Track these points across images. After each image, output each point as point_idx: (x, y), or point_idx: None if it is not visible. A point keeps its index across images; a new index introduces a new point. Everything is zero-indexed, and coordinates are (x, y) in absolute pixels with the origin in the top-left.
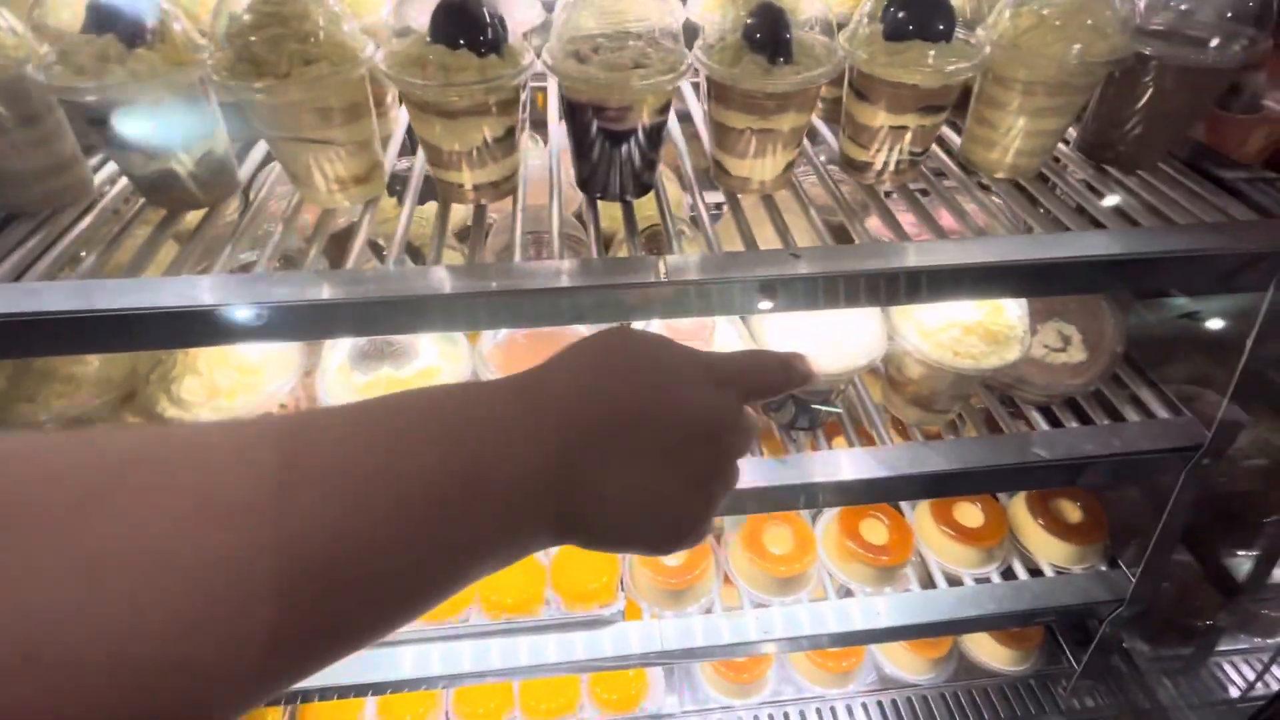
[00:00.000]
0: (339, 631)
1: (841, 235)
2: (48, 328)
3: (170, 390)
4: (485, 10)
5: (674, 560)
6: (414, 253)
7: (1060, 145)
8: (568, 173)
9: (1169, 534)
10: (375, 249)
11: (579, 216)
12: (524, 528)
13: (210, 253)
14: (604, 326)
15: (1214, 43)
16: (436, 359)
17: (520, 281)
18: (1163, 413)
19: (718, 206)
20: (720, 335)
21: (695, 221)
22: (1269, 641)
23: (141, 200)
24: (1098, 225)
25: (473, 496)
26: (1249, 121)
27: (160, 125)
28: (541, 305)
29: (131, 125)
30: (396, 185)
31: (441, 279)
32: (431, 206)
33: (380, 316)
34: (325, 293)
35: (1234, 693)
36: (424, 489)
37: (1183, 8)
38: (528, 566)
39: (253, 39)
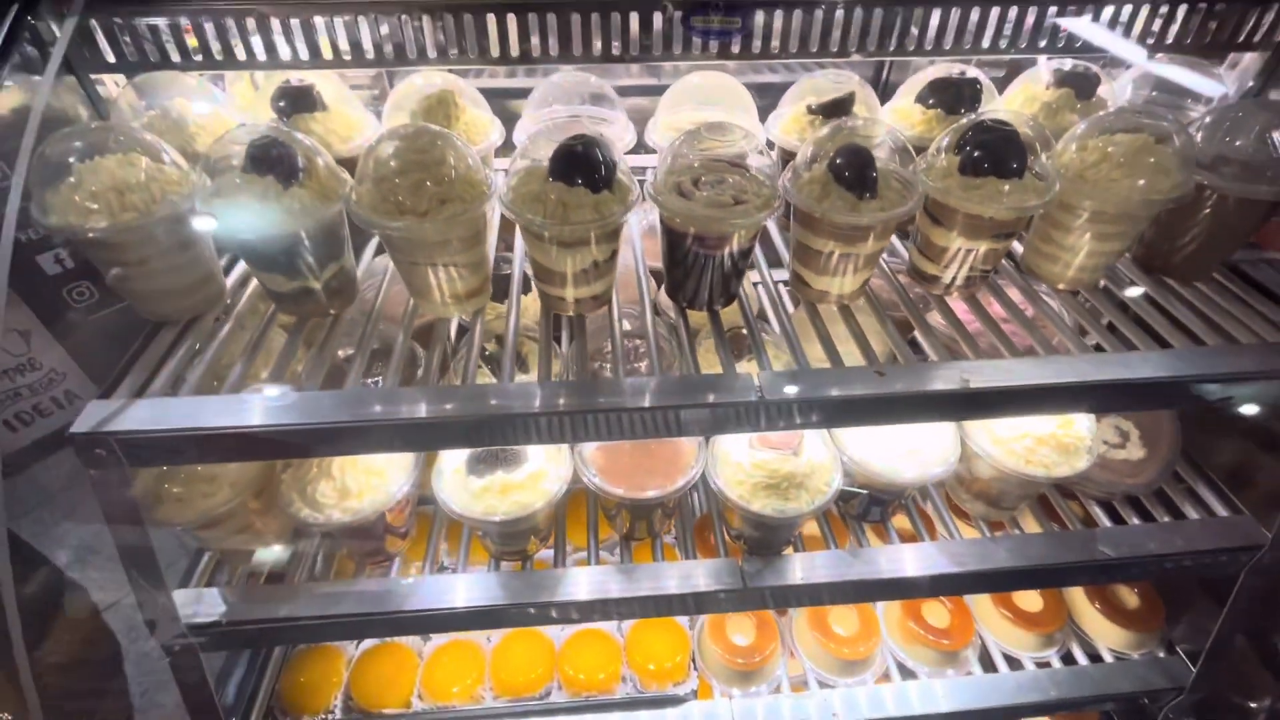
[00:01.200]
0: None
1: (904, 328)
2: (209, 443)
3: (305, 492)
4: (599, 152)
5: (743, 640)
6: (500, 340)
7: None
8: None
9: (1231, 626)
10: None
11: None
12: None
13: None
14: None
15: (1270, 173)
16: (543, 462)
17: (626, 400)
18: (1222, 510)
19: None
20: (809, 444)
21: (770, 319)
22: None
23: (271, 307)
24: (1160, 340)
25: None
26: None
27: (304, 251)
28: (647, 421)
29: (281, 252)
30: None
31: (556, 397)
32: (531, 300)
33: (499, 432)
34: (446, 410)
35: None
36: None
37: (1238, 142)
38: (605, 644)
39: (398, 182)
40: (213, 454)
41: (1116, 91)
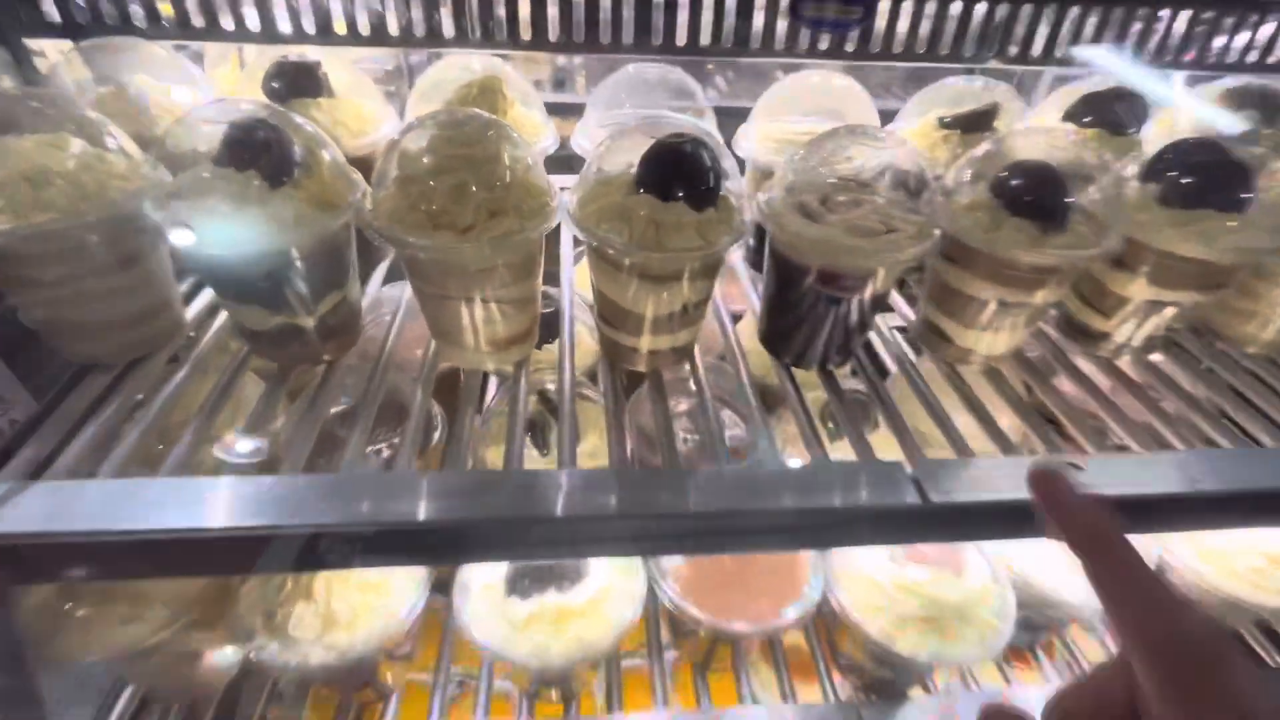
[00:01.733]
0: None
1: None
2: (133, 552)
3: (274, 619)
4: (705, 155)
5: None
6: (545, 399)
7: None
8: None
9: None
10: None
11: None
12: None
13: (335, 421)
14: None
15: None
16: (609, 575)
17: (727, 501)
18: None
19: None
20: (971, 563)
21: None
22: None
23: (244, 348)
24: None
25: None
26: None
27: (294, 276)
28: (756, 536)
29: (262, 277)
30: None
31: (627, 492)
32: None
33: (557, 543)
34: (477, 511)
35: None
36: None
37: None
38: None
39: (433, 185)
40: (139, 569)
41: None
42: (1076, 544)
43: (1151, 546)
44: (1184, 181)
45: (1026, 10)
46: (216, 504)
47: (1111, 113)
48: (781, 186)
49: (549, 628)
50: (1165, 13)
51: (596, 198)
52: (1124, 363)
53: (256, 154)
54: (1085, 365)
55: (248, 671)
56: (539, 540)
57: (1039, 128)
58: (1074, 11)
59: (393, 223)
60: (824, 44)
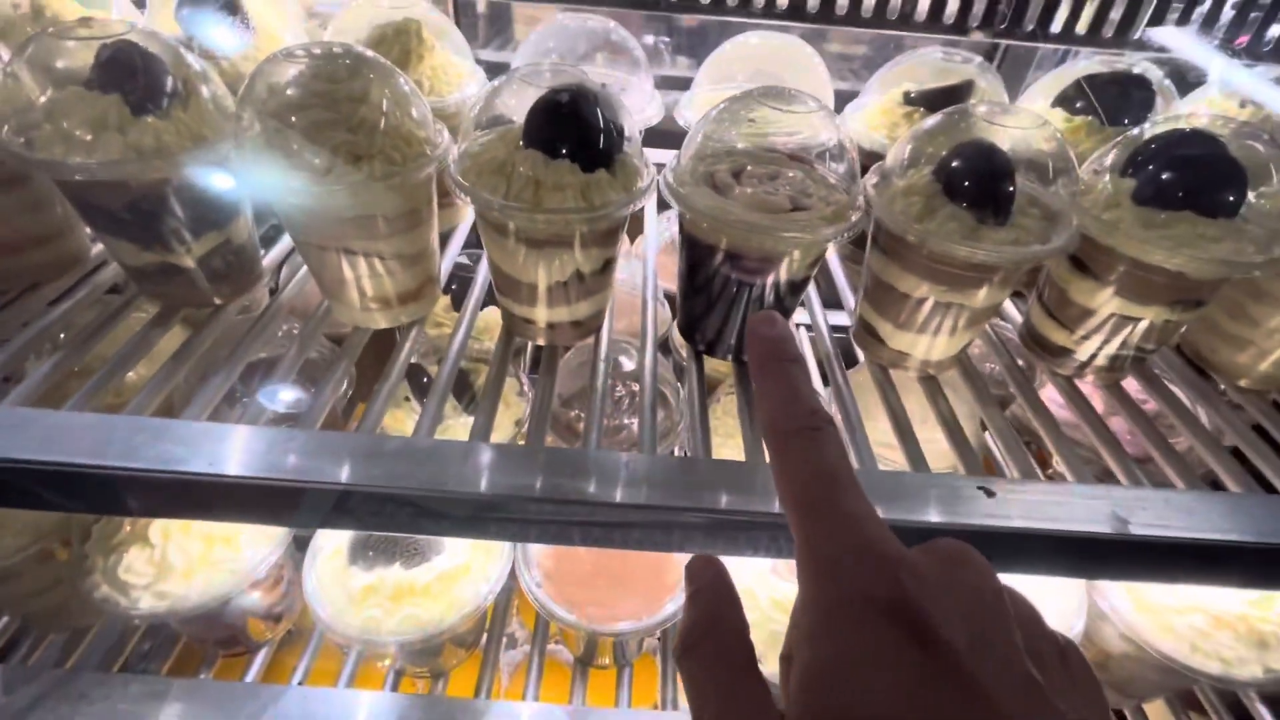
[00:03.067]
0: None
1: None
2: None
3: (108, 560)
4: (599, 110)
5: None
6: (461, 378)
7: None
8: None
9: None
10: (415, 372)
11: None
12: None
13: (207, 365)
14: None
15: None
16: (467, 553)
17: (598, 490)
18: None
19: (836, 329)
20: None
21: (817, 380)
22: None
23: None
24: None
25: None
26: None
27: (163, 212)
28: (632, 531)
29: (124, 208)
30: (453, 284)
31: (495, 478)
32: (490, 315)
33: (406, 519)
34: (343, 474)
35: None
36: None
37: None
38: None
39: (294, 120)
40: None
41: None
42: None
43: (1082, 588)
44: (1164, 177)
45: None
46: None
47: (1111, 99)
48: (691, 153)
49: (387, 603)
50: None
51: (481, 152)
52: (1087, 384)
53: (122, 77)
54: (1046, 383)
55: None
56: (368, 513)
57: (1002, 104)
58: None
59: (250, 160)
60: (783, 1)
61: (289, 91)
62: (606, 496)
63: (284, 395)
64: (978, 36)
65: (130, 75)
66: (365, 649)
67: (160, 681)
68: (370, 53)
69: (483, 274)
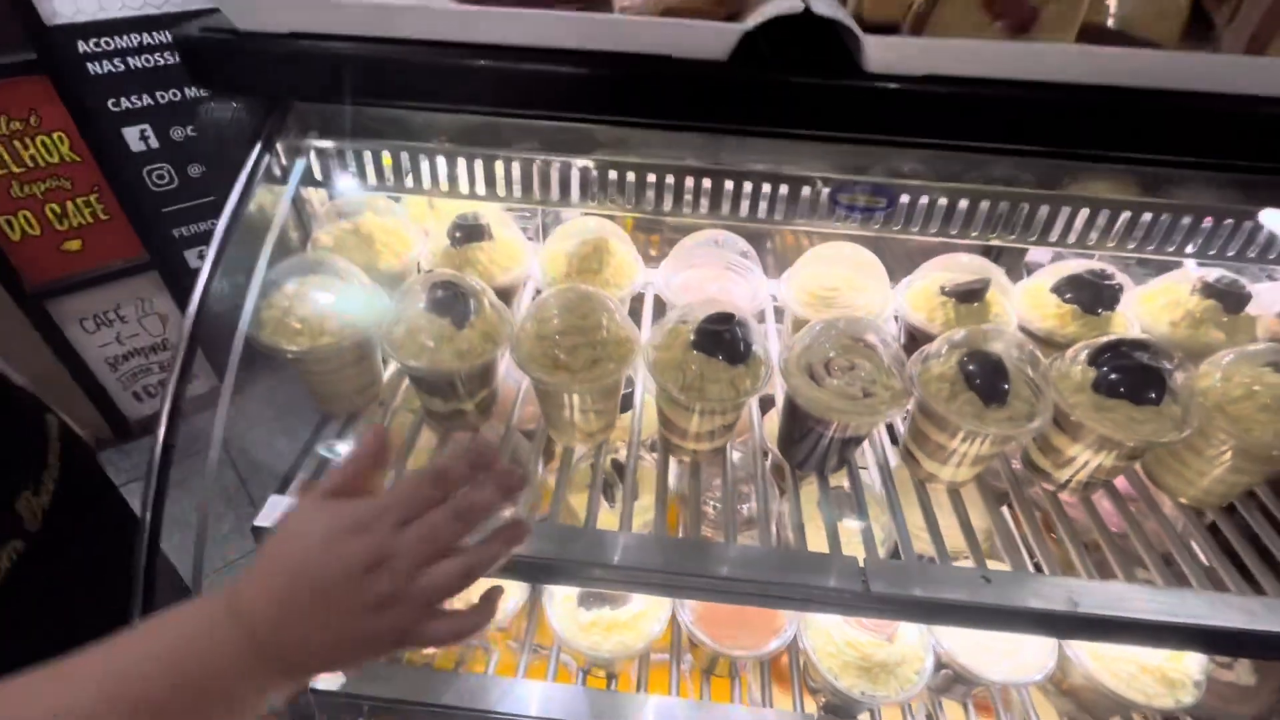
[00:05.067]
0: None
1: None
2: None
3: None
4: (738, 329)
5: None
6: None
7: None
8: None
9: None
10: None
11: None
12: (248, 689)
13: None
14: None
15: None
16: (646, 602)
17: (729, 567)
18: None
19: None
20: (902, 632)
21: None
22: None
23: (420, 405)
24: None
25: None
26: None
27: (461, 383)
28: (741, 588)
29: (442, 383)
30: None
31: (665, 553)
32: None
33: (607, 578)
34: (560, 551)
35: None
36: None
37: None
38: None
39: (558, 339)
40: None
41: (1266, 301)
42: None
43: (1056, 643)
44: (1111, 376)
45: (1024, 205)
46: None
47: (1088, 296)
48: (799, 348)
49: (602, 633)
50: (1149, 214)
51: (664, 348)
52: (1068, 498)
53: (449, 307)
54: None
55: None
56: (599, 577)
57: (999, 329)
58: (1064, 210)
59: (529, 362)
60: (855, 220)
61: (555, 321)
62: (736, 574)
63: None
64: (995, 241)
65: (453, 304)
66: (585, 658)
67: (444, 674)
68: (599, 293)
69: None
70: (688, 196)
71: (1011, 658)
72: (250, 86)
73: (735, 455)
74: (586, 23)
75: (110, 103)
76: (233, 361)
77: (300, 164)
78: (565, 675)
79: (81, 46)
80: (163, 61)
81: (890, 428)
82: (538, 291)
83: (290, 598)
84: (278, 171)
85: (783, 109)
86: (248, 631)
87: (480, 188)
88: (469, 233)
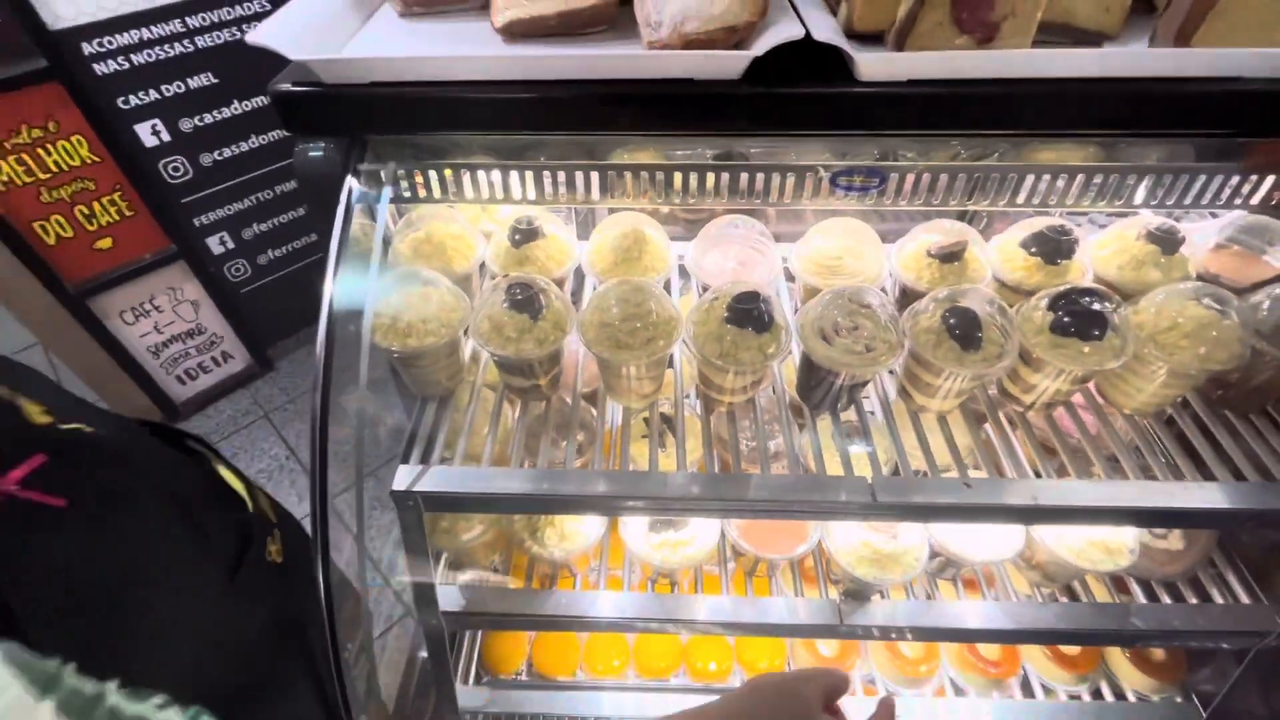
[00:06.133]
0: None
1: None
2: (477, 501)
3: (534, 534)
4: (762, 304)
5: (829, 651)
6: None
7: None
8: None
9: (1238, 690)
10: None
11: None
12: None
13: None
14: None
15: None
16: (700, 524)
17: (766, 492)
18: (1244, 597)
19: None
20: (903, 530)
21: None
22: None
23: (501, 385)
24: (1203, 463)
25: None
26: None
27: (539, 365)
28: (775, 507)
29: (523, 366)
30: None
31: (708, 488)
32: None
33: (667, 510)
34: (629, 490)
35: None
36: None
37: None
38: (721, 645)
39: (619, 326)
40: (471, 509)
41: (1198, 242)
42: None
43: (1024, 528)
44: (1064, 319)
45: (994, 176)
46: (513, 480)
47: (1049, 249)
48: (813, 314)
49: (670, 549)
50: (1099, 176)
51: (701, 323)
52: (1034, 416)
53: (527, 305)
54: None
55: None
56: (661, 507)
57: (975, 288)
58: (1029, 177)
59: (596, 345)
60: (853, 198)
61: (615, 309)
62: (772, 497)
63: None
64: (971, 206)
65: (529, 302)
66: (657, 571)
67: (544, 593)
68: (649, 284)
69: (679, 367)
70: (710, 188)
71: (990, 543)
72: (337, 128)
73: (762, 400)
74: (627, 59)
75: (120, 101)
76: (363, 368)
77: (387, 190)
78: (637, 587)
79: (86, 49)
80: (164, 55)
81: (891, 372)
82: (583, 279)
83: None
84: (357, 191)
85: (791, 113)
86: None
87: (531, 193)
88: (526, 235)
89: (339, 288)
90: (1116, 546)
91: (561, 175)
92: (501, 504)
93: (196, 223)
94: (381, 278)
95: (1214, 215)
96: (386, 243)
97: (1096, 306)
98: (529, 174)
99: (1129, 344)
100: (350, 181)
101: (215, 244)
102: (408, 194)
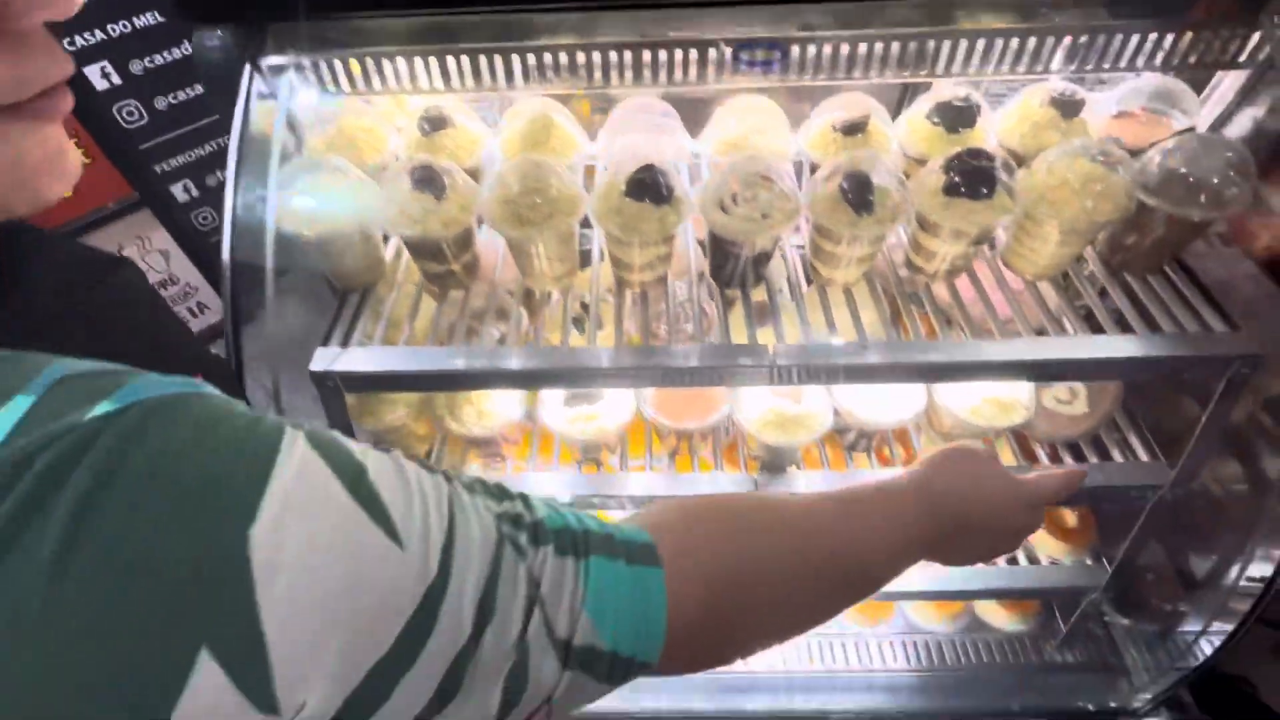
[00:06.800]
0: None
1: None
2: (396, 379)
3: (453, 412)
4: (661, 177)
5: None
6: (584, 306)
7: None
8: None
9: (1137, 546)
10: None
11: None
12: (912, 555)
13: (474, 318)
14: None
15: (1201, 198)
16: (615, 398)
17: (674, 361)
18: (1144, 455)
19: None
20: (811, 396)
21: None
22: (1218, 627)
23: (419, 277)
24: (1098, 324)
25: (895, 541)
26: (1260, 223)
27: (448, 247)
28: (687, 376)
29: (433, 248)
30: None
31: (621, 358)
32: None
33: (582, 382)
34: (548, 364)
35: (1190, 663)
36: (880, 537)
37: (1182, 169)
38: None
39: (519, 201)
40: (389, 387)
41: (1100, 108)
42: None
43: (924, 389)
44: (954, 179)
45: (895, 45)
46: (430, 359)
47: (950, 117)
48: (711, 186)
49: (583, 422)
50: (1000, 41)
51: (603, 200)
52: (940, 288)
53: (427, 183)
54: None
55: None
56: (569, 378)
57: (871, 153)
58: (930, 44)
59: (498, 222)
60: (757, 74)
61: (515, 187)
62: (679, 363)
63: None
64: (875, 79)
65: (432, 182)
66: (579, 446)
67: None
68: (549, 160)
69: (597, 253)
70: (613, 70)
71: (892, 406)
72: (232, 14)
73: (680, 291)
74: None
75: (65, 41)
76: (268, 256)
77: (286, 79)
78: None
79: None
80: None
81: (800, 258)
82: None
83: (963, 521)
84: (265, 89)
85: None
86: (937, 527)
87: (438, 82)
88: (434, 123)
89: (245, 184)
90: (1011, 402)
91: (466, 61)
92: (417, 381)
93: (158, 169)
94: (286, 168)
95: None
96: (299, 142)
97: (985, 164)
98: (433, 60)
99: (1017, 201)
100: (252, 75)
101: (180, 191)
102: (314, 87)
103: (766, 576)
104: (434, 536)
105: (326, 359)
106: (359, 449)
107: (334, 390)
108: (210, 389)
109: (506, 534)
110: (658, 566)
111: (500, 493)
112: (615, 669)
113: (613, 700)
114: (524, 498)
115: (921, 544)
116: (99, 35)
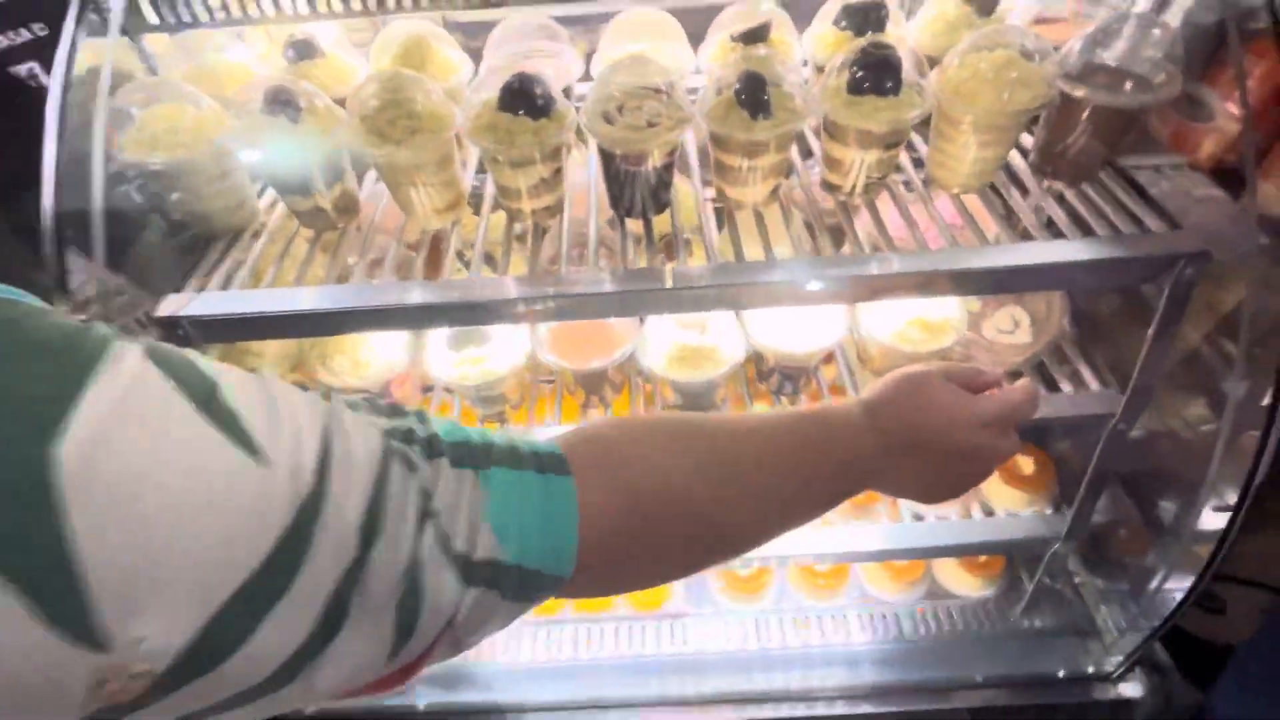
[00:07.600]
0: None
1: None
2: (255, 323)
3: (326, 363)
4: (537, 86)
5: None
6: (487, 256)
7: (1019, 160)
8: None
9: (1093, 486)
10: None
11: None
12: (856, 477)
13: (346, 260)
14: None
15: (1128, 85)
16: (507, 341)
17: (568, 288)
18: (1094, 385)
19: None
20: (722, 329)
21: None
22: (1184, 577)
23: (296, 225)
24: (1028, 235)
25: (834, 459)
26: (1201, 129)
27: (313, 175)
28: (585, 306)
29: (294, 177)
30: (472, 199)
31: (511, 288)
32: (501, 215)
33: (468, 316)
34: (431, 298)
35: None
36: (817, 452)
37: (1108, 55)
38: None
39: (378, 117)
40: (249, 333)
41: (1021, 6)
42: None
43: (845, 316)
44: (857, 75)
45: None
46: (288, 299)
47: (858, 20)
48: (592, 100)
49: (470, 366)
50: None
51: (477, 118)
52: (855, 201)
53: (282, 105)
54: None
55: None
56: (455, 315)
57: (769, 54)
58: None
59: (357, 141)
60: None
61: (373, 101)
62: (568, 290)
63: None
64: None
65: (287, 104)
66: (467, 395)
67: None
68: (411, 73)
69: (490, 192)
70: None
71: (809, 337)
72: None
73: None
74: None
75: None
76: (96, 188)
77: (118, 4)
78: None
79: None
80: None
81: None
82: None
83: (913, 437)
84: (98, 18)
85: None
86: (883, 443)
87: (303, 7)
88: (301, 50)
89: (71, 121)
90: (939, 324)
91: None
92: (278, 325)
93: None
94: (123, 91)
95: None
96: (152, 70)
97: (888, 54)
98: None
99: (927, 97)
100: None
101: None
102: (159, 19)
103: (691, 491)
104: (305, 453)
105: (176, 304)
106: (217, 368)
107: (184, 340)
108: (31, 298)
109: (396, 449)
110: (567, 474)
111: (392, 411)
112: (524, 585)
113: (548, 687)
114: (419, 414)
115: (867, 464)
116: None
